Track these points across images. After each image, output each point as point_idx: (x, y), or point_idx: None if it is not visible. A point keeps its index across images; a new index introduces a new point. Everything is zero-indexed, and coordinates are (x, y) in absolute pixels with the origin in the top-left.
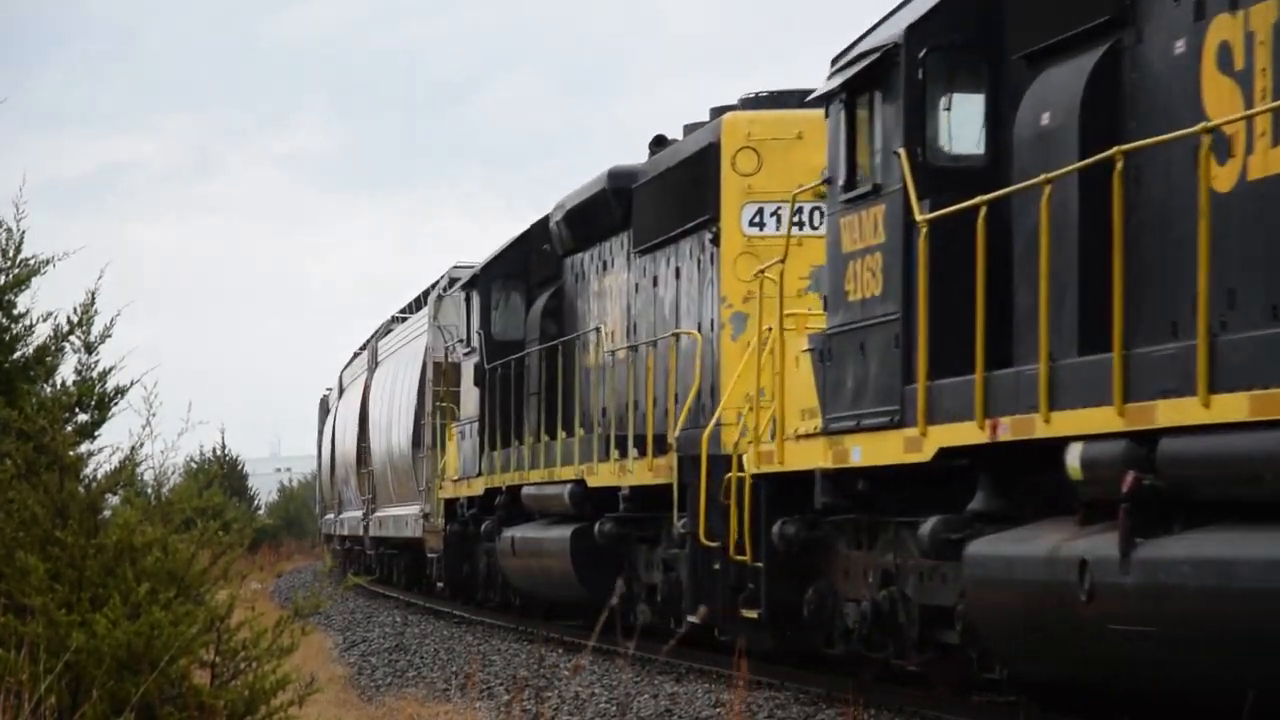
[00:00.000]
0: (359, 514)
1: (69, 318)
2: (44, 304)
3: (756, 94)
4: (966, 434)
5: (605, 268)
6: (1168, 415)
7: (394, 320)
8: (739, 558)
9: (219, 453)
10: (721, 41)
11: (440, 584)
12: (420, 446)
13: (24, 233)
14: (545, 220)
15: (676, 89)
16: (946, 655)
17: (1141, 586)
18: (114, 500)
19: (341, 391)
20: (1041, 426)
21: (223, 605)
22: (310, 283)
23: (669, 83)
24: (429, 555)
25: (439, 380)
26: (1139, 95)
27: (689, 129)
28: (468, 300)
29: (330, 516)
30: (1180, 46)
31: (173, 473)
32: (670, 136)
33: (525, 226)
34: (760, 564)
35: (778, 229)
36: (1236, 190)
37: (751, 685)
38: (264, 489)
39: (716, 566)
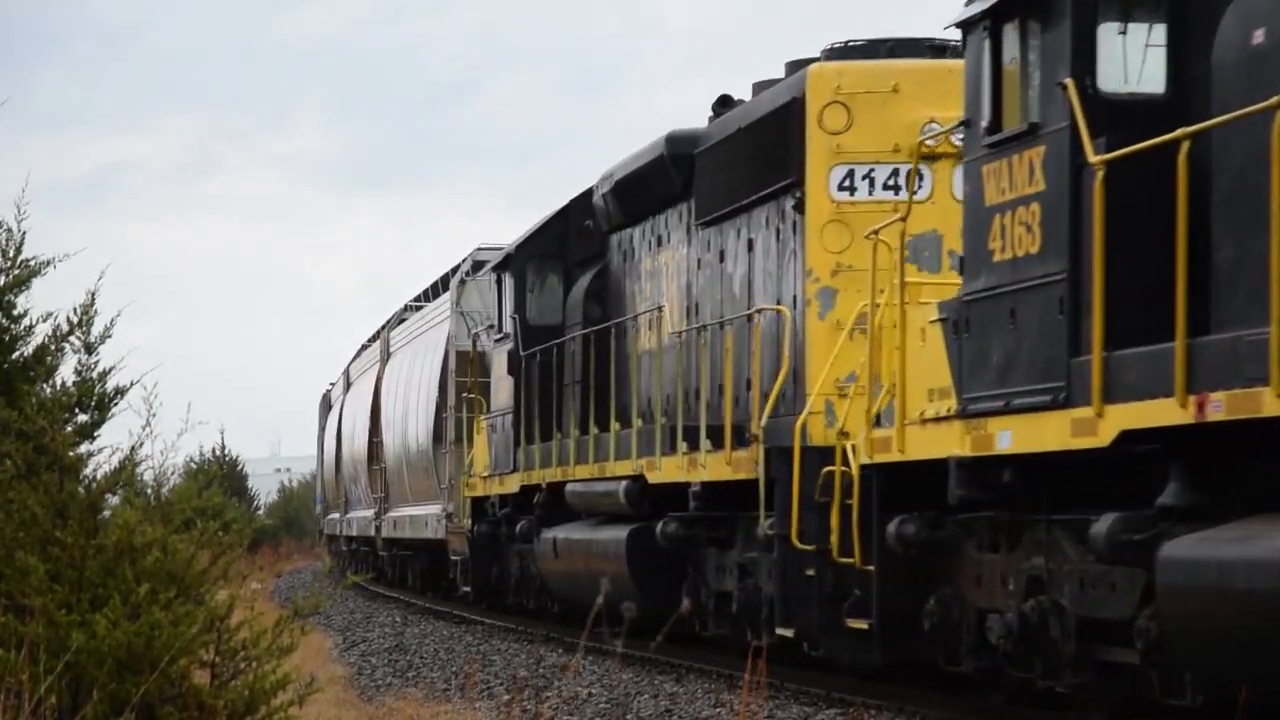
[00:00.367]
0: (370, 514)
1: (69, 318)
2: (44, 304)
3: (845, 43)
4: (1161, 413)
5: (660, 243)
6: None
7: (408, 309)
8: (844, 560)
9: (219, 453)
10: (721, 41)
11: (466, 589)
12: (442, 442)
13: (24, 233)
14: (586, 195)
15: (676, 89)
16: (1108, 676)
17: None
18: (114, 500)
19: (349, 386)
20: (1274, 403)
21: (223, 605)
22: (310, 283)
23: (669, 83)
24: (452, 558)
25: (463, 370)
26: None
27: (760, 86)
28: (499, 283)
29: (335, 516)
30: None
31: (172, 473)
32: (736, 97)
33: (563, 202)
34: (871, 568)
35: (870, 193)
36: None
37: (752, 685)
38: (264, 489)
39: (811, 572)
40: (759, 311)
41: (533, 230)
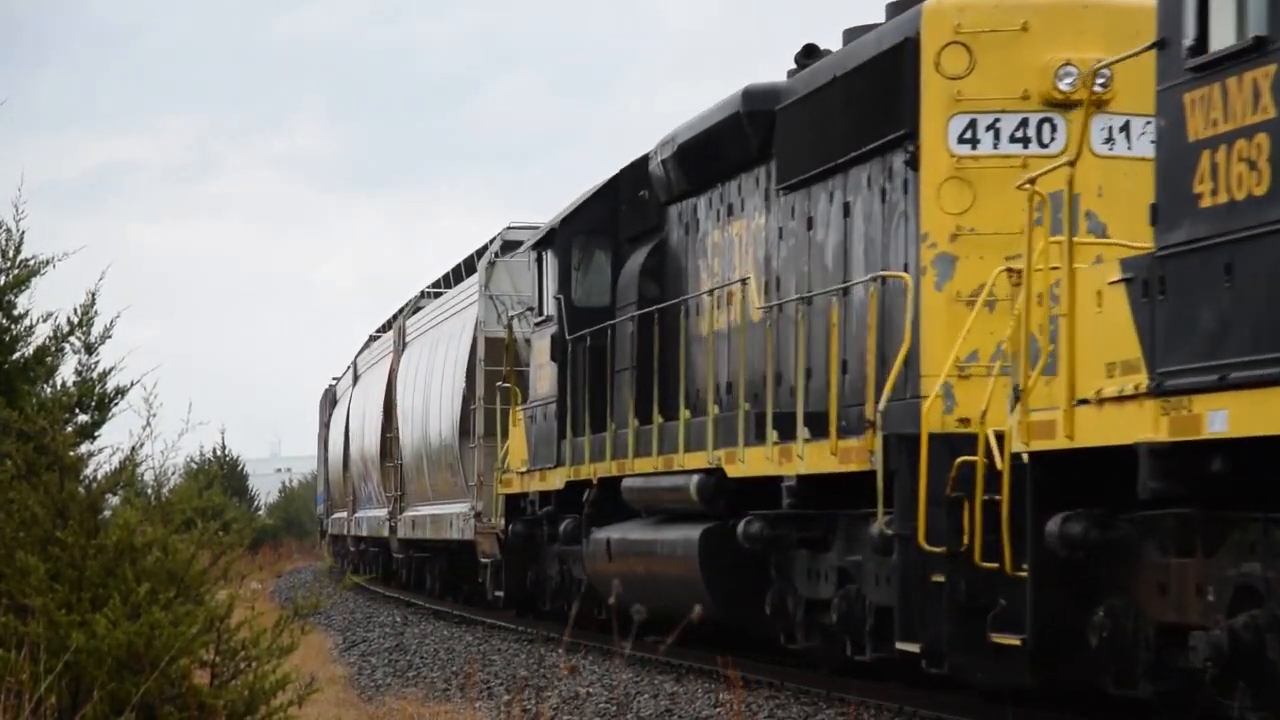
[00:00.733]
0: (382, 513)
1: (69, 318)
2: (44, 305)
3: None
4: None
5: (731, 212)
6: None
7: (425, 295)
8: (987, 565)
9: (219, 453)
10: (721, 41)
11: (498, 593)
12: (470, 435)
13: (24, 233)
14: (641, 163)
15: (676, 89)
16: None
17: None
18: (114, 500)
19: (357, 379)
20: None
21: (223, 605)
22: (310, 282)
23: (669, 83)
24: (481, 560)
25: (494, 358)
26: None
27: (852, 34)
28: (539, 262)
29: (341, 515)
30: None
31: (173, 473)
32: (823, 47)
33: (613, 171)
34: (1023, 573)
35: (995, 146)
36: None
37: (751, 685)
38: (264, 489)
39: (939, 578)
40: (875, 280)
41: (578, 203)
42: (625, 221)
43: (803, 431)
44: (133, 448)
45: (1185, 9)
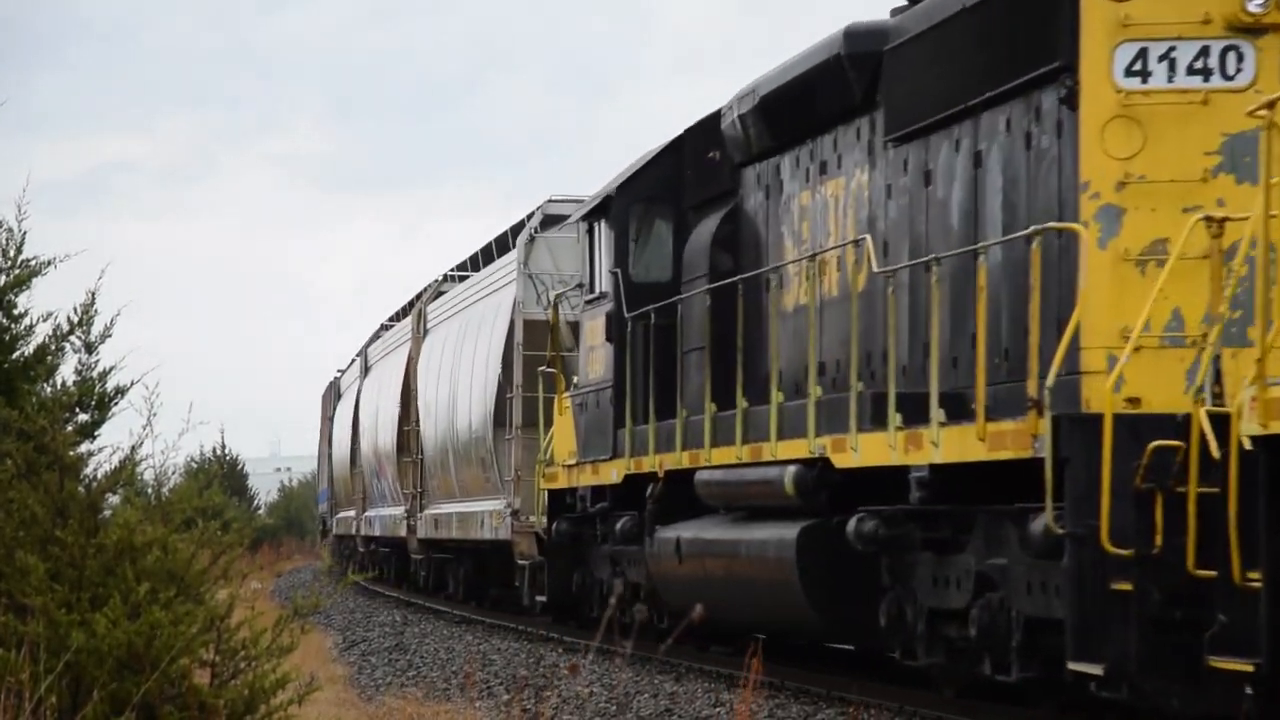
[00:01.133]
0: (399, 511)
1: (69, 318)
2: (44, 304)
3: None
4: None
5: (823, 170)
6: None
7: (448, 279)
8: (1201, 573)
9: (219, 453)
10: (721, 41)
11: (539, 598)
12: (506, 426)
13: (25, 233)
14: (711, 120)
15: (676, 89)
16: None
17: None
18: (114, 500)
19: (367, 370)
20: None
21: (223, 605)
22: (310, 282)
23: (669, 83)
24: (519, 563)
25: (533, 341)
26: None
27: None
28: (591, 234)
29: (348, 514)
30: None
31: (173, 473)
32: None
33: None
34: (1256, 583)
35: (1170, 80)
36: None
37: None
38: (264, 489)
39: (1125, 587)
40: (1039, 233)
41: (636, 168)
42: (690, 187)
43: (938, 414)
44: (133, 447)
45: None
